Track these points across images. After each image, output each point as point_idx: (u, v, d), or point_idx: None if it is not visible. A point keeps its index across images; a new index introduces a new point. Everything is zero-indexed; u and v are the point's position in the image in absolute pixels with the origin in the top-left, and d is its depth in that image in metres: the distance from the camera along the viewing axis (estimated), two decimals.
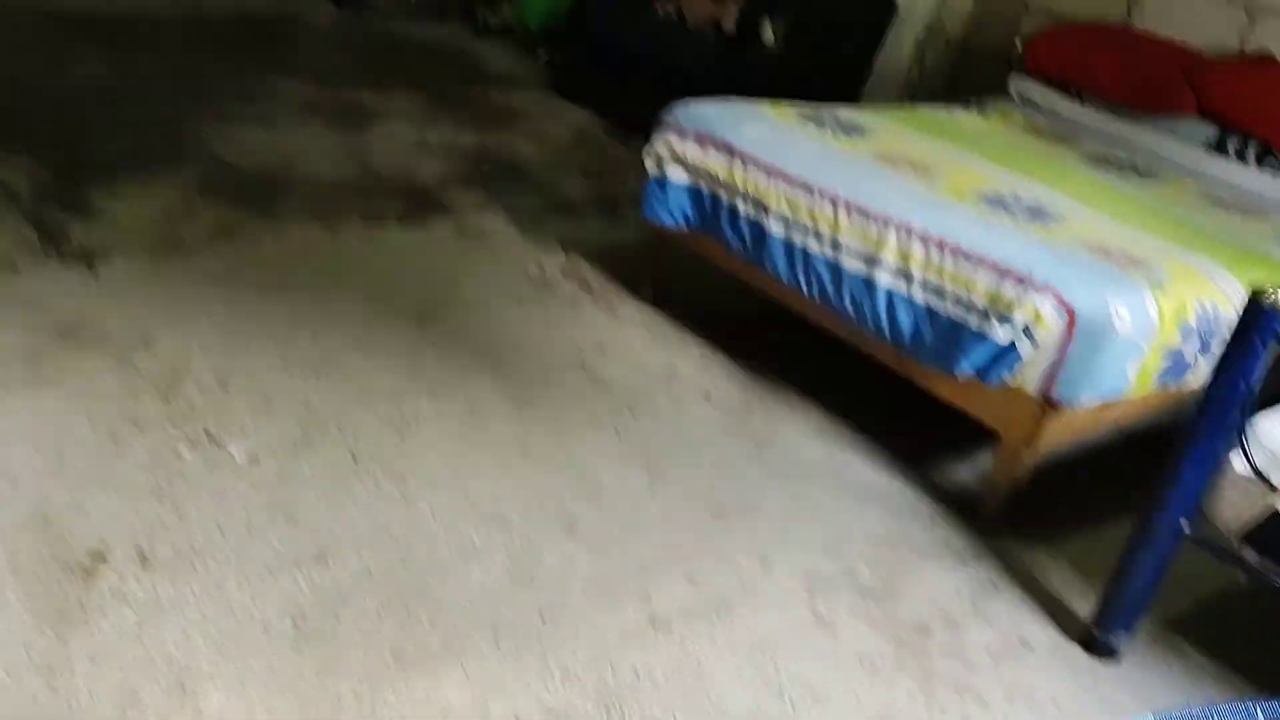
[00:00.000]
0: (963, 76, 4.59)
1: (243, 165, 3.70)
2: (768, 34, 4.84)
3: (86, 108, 3.91)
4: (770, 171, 2.84)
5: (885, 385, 2.86)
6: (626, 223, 3.89)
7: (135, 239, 3.08)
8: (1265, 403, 2.10)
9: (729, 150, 2.94)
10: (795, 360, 3.14)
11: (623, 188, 4.22)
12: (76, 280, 2.83)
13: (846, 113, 3.36)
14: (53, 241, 2.97)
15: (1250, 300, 1.93)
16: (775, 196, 2.81)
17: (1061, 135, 3.69)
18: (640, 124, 4.92)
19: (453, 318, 3.05)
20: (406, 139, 4.25)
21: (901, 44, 4.76)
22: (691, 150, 3.02)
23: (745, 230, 2.90)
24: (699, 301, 3.39)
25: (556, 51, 5.44)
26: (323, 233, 3.37)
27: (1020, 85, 4.00)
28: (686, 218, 3.08)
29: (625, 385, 2.90)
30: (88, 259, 2.92)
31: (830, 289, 2.71)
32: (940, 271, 2.50)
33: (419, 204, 3.71)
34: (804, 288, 2.78)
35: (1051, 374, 2.38)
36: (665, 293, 3.35)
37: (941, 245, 2.51)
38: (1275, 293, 1.90)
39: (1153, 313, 2.39)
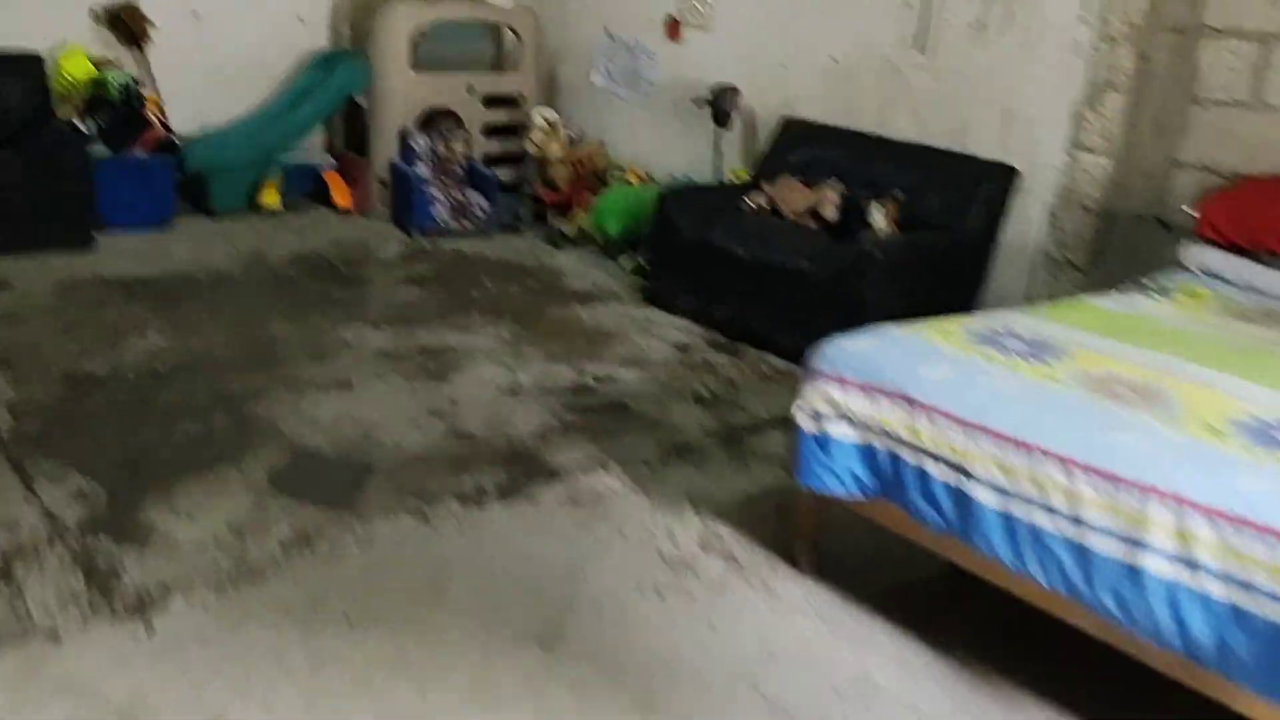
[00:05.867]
0: (1109, 248, 4.05)
1: (319, 446, 3.24)
2: (877, 218, 4.37)
3: (144, 394, 3.51)
4: (965, 425, 2.27)
5: (1147, 677, 2.20)
6: (756, 462, 3.34)
7: (198, 569, 2.58)
8: None
9: (907, 400, 2.37)
10: (1020, 645, 2.49)
11: (742, 413, 3.70)
12: (129, 641, 2.31)
13: (1021, 322, 2.77)
14: (102, 589, 2.48)
15: None
16: (980, 458, 2.23)
17: (1273, 314, 3.08)
18: (744, 329, 4.48)
19: (583, 631, 2.47)
20: (495, 384, 3.79)
21: (1029, 214, 4.26)
22: (857, 402, 2.46)
23: (943, 499, 2.31)
24: (873, 570, 2.78)
25: (642, 258, 5.03)
26: (416, 525, 2.86)
27: (1199, 256, 3.41)
28: (860, 483, 2.50)
29: (811, 709, 2.27)
30: (142, 609, 2.42)
31: (1078, 578, 2.08)
32: (1244, 559, 1.87)
33: (521, 469, 3.20)
34: (1037, 575, 2.15)
35: None
36: (827, 560, 2.76)
37: (1236, 522, 1.88)
38: None
39: None
